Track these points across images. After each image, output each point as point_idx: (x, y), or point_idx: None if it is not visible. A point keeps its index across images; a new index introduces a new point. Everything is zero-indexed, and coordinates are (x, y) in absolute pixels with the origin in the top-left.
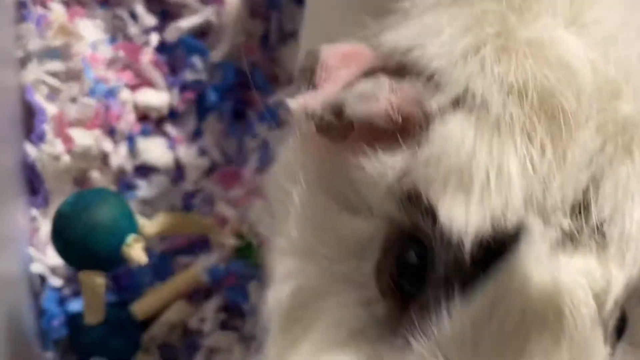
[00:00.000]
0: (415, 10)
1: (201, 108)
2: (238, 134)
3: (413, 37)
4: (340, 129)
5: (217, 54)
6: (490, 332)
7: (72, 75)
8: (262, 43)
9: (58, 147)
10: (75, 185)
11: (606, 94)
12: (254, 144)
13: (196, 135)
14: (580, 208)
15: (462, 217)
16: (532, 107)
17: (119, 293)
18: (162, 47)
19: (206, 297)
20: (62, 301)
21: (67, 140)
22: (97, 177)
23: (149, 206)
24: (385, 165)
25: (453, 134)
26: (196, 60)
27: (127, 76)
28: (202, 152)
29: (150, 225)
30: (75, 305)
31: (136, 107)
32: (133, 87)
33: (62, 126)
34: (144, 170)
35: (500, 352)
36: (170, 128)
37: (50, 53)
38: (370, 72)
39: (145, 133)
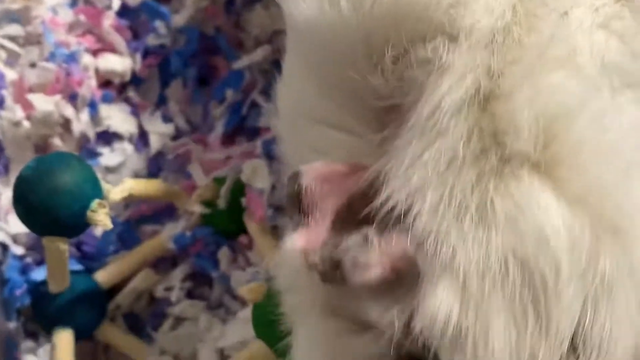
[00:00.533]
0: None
1: (165, 74)
2: (203, 101)
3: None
4: (340, 279)
5: (180, 19)
6: None
7: (31, 40)
8: (227, 7)
9: (18, 113)
10: (36, 152)
11: (585, 254)
12: (219, 111)
13: (160, 101)
14: None
15: None
16: (514, 284)
17: (84, 262)
18: (124, 11)
19: (173, 265)
20: (25, 270)
21: (27, 106)
22: (58, 144)
23: (113, 173)
24: (384, 317)
25: (440, 309)
26: (159, 25)
27: (89, 41)
28: (167, 118)
29: (115, 191)
30: (38, 274)
31: (98, 73)
32: (94, 52)
33: (21, 92)
34: (107, 137)
35: None
36: (133, 94)
37: (9, 17)
38: (352, 216)
39: (107, 99)
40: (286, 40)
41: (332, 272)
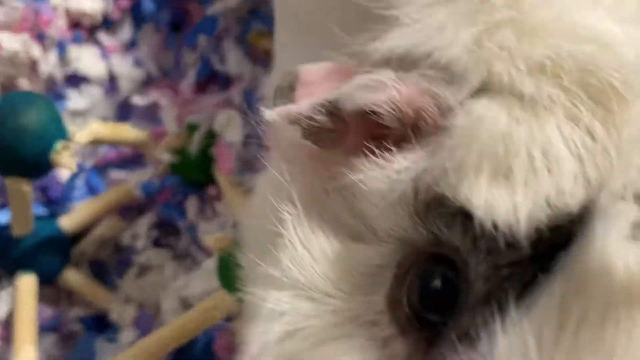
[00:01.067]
0: (407, 17)
1: (137, 17)
2: (175, 46)
3: (412, 38)
4: (334, 131)
5: None
6: (563, 337)
7: None
8: None
9: None
10: (3, 92)
11: None
12: (191, 57)
13: (131, 45)
14: None
15: (507, 206)
16: (571, 84)
17: (49, 206)
18: None
19: (139, 213)
20: None
21: None
22: (25, 85)
23: (80, 117)
24: (392, 173)
25: (482, 118)
26: None
27: None
28: (137, 63)
29: (81, 134)
30: (2, 218)
31: (68, 13)
32: None
33: None
34: (75, 79)
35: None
36: (103, 37)
37: None
38: None
39: (77, 41)
40: None
41: (324, 119)
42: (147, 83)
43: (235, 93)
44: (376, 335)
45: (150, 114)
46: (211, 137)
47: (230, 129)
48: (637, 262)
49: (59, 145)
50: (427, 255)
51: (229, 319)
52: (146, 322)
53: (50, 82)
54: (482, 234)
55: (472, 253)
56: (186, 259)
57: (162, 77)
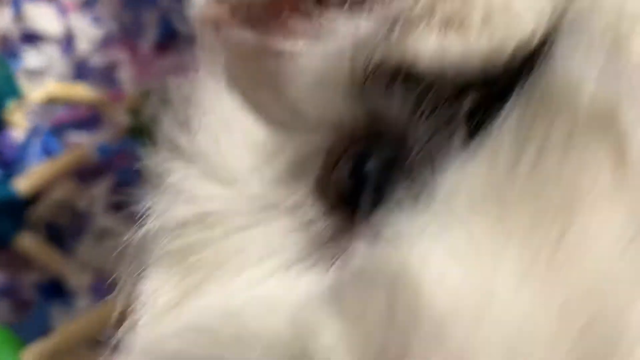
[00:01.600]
0: None
1: None
2: (135, 4)
3: None
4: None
5: None
6: (520, 170)
7: None
8: None
9: None
10: None
11: None
12: (152, 16)
13: (89, 3)
14: None
15: (458, 50)
16: None
17: (3, 168)
18: None
19: (97, 176)
20: None
21: None
22: None
23: (36, 77)
24: (330, 43)
25: None
26: None
27: None
28: (95, 21)
29: (35, 93)
30: None
31: None
32: None
33: None
34: (32, 37)
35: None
36: None
37: None
38: None
39: None
40: None
41: None
42: (105, 42)
43: (198, 54)
44: (298, 219)
45: (109, 75)
46: (164, 103)
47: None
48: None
49: (10, 103)
50: (361, 138)
51: None
52: (102, 288)
53: (5, 40)
54: (426, 92)
55: (412, 119)
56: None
57: (122, 36)
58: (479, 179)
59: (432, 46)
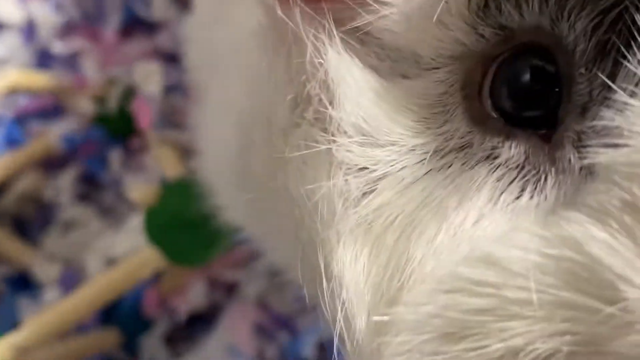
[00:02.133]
0: None
1: None
2: None
3: None
4: None
5: None
6: None
7: None
8: None
9: None
10: None
11: None
12: (115, 2)
13: None
14: None
15: None
16: None
17: None
18: None
19: (62, 166)
20: None
21: None
22: None
23: None
24: None
25: None
26: None
27: None
28: (57, 8)
29: None
30: None
31: None
32: None
33: None
34: None
35: None
36: None
37: None
38: None
39: None
40: None
41: None
42: (67, 30)
43: (161, 40)
44: (474, 153)
45: (71, 63)
46: (130, 91)
47: (150, 82)
48: None
49: None
50: (498, 58)
51: (157, 275)
52: (70, 280)
53: None
54: None
55: (561, 16)
56: (112, 215)
57: (84, 23)
58: None
59: None
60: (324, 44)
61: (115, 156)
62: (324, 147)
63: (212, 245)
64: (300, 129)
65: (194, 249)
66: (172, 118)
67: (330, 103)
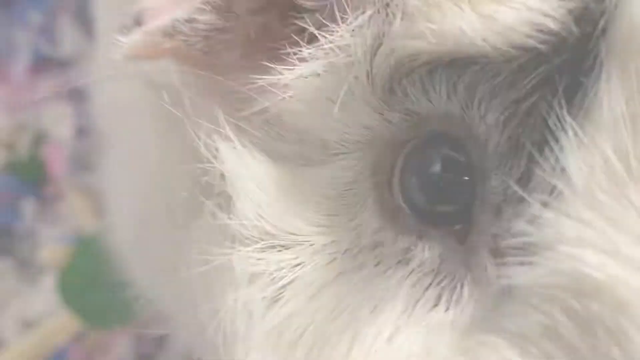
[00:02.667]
0: None
1: None
2: (5, 24)
3: None
4: (226, 31)
5: None
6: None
7: None
8: None
9: None
10: None
11: None
12: (24, 37)
13: None
14: None
15: (509, 18)
16: None
17: None
18: None
19: None
20: None
21: None
22: None
23: None
24: (332, 57)
25: None
26: None
27: None
28: None
29: None
30: None
31: None
32: None
33: None
34: None
35: None
36: None
37: None
38: None
39: None
40: None
41: (216, 18)
42: None
43: (73, 77)
44: (387, 254)
45: None
46: (41, 136)
47: (61, 125)
48: None
49: None
50: (407, 144)
51: (76, 339)
52: None
53: None
54: (481, 71)
55: (471, 105)
56: (27, 269)
57: None
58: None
59: (473, 21)
60: (216, 138)
61: (28, 206)
62: (224, 258)
63: (132, 306)
64: (200, 230)
65: (111, 310)
66: (86, 162)
67: (228, 207)
